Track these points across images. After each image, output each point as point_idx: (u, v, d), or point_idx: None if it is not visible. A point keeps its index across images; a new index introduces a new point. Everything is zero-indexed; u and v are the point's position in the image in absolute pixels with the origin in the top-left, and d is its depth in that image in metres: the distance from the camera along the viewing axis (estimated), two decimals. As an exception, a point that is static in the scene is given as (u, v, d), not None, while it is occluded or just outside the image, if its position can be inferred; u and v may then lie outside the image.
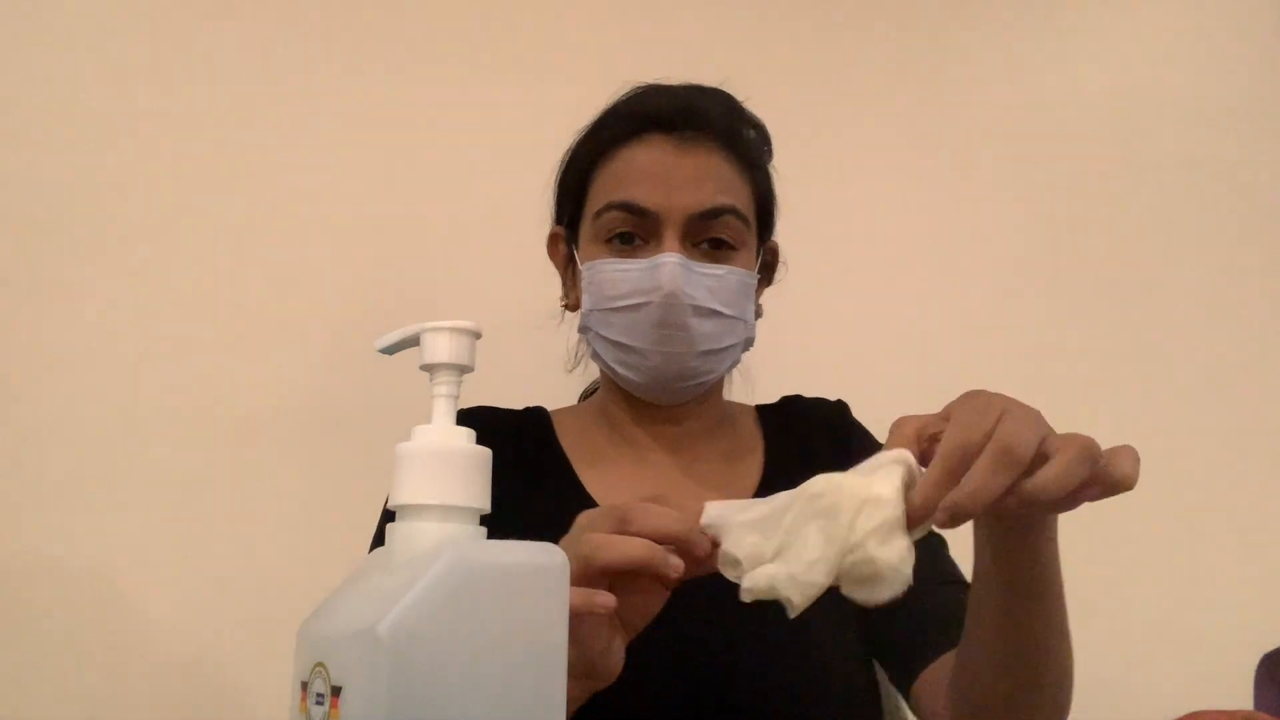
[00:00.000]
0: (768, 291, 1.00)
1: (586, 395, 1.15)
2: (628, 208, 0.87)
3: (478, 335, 0.52)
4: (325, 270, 1.38)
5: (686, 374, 0.90)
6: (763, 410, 1.03)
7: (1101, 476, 0.54)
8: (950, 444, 0.54)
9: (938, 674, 0.81)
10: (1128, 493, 0.55)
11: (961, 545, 0.76)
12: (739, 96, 0.95)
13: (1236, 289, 1.60)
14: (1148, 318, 1.58)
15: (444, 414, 0.51)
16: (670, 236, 0.87)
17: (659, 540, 0.58)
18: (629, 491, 0.90)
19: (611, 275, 0.88)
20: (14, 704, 1.21)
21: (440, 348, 0.51)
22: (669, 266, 0.85)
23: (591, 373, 1.08)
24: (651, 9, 1.55)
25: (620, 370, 0.91)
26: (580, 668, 0.55)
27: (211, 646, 1.27)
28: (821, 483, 0.55)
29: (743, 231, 0.90)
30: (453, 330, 0.51)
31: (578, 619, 0.50)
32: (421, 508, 0.49)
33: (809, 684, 0.84)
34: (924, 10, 1.62)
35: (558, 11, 1.51)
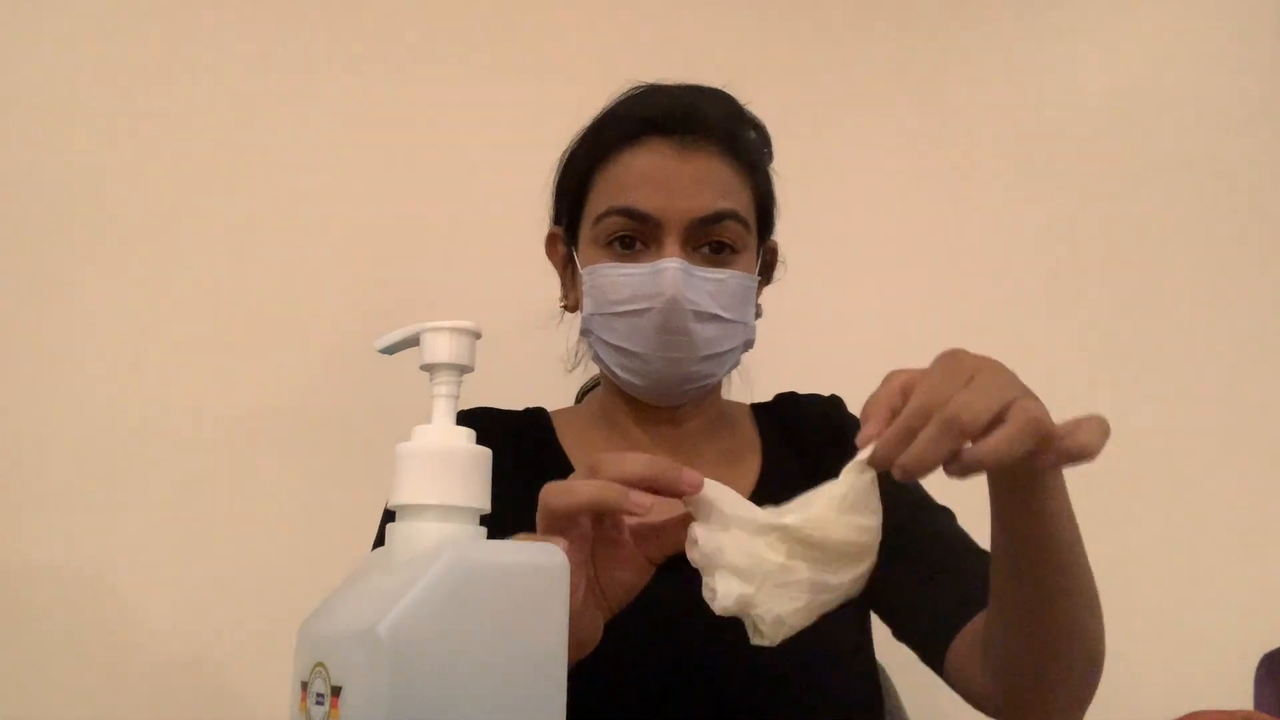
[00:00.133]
0: (767, 291, 1.00)
1: (584, 393, 1.15)
2: (629, 213, 0.87)
3: (478, 335, 0.52)
4: (325, 270, 1.38)
5: (688, 378, 0.90)
6: (758, 409, 1.03)
7: (1057, 446, 0.56)
8: (912, 405, 0.56)
9: (968, 641, 0.81)
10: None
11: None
12: (738, 96, 0.95)
13: (1236, 289, 1.60)
14: (1148, 318, 1.58)
15: (444, 414, 0.51)
16: (671, 241, 0.86)
17: (629, 484, 0.57)
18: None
19: (613, 280, 0.88)
20: (14, 704, 1.21)
21: (440, 348, 0.51)
22: (671, 272, 0.85)
23: (588, 370, 1.08)
24: (651, 9, 1.55)
25: (622, 374, 0.91)
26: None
27: (211, 646, 1.27)
28: (821, 525, 0.56)
29: (743, 235, 0.90)
30: (453, 330, 0.51)
31: None
32: (421, 508, 0.49)
33: (810, 686, 0.84)
34: (924, 10, 1.62)
35: (557, 11, 1.51)
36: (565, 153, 0.97)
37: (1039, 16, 1.65)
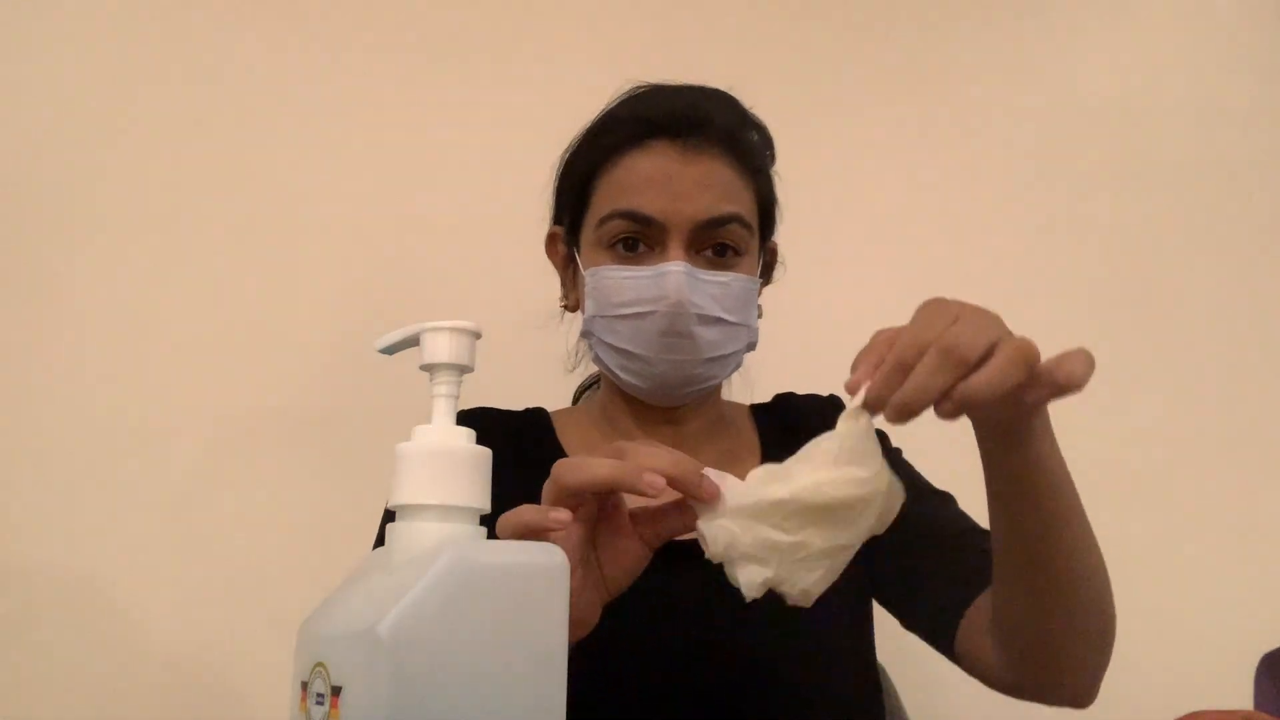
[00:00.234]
0: (767, 291, 1.00)
1: (582, 391, 1.15)
2: (632, 216, 0.87)
3: (478, 335, 0.52)
4: (325, 270, 1.38)
5: (691, 380, 0.90)
6: (757, 410, 1.03)
7: (1046, 378, 0.56)
8: (903, 341, 0.56)
9: (976, 619, 0.81)
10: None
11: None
12: (740, 96, 0.95)
13: (1236, 289, 1.60)
14: (1148, 318, 1.58)
15: (444, 414, 0.51)
16: (675, 244, 0.86)
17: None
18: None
19: (616, 282, 0.88)
20: (14, 704, 1.21)
21: (440, 348, 0.51)
22: (674, 275, 0.85)
23: (588, 370, 1.08)
24: (652, 9, 1.55)
25: (624, 376, 0.91)
26: None
27: (211, 646, 1.27)
28: (816, 495, 0.56)
29: (746, 238, 0.90)
30: (453, 330, 0.51)
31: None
32: (421, 508, 0.49)
33: (810, 685, 0.84)
34: (925, 12, 1.62)
35: (557, 11, 1.51)
36: (566, 152, 0.97)
37: (1040, 17, 1.65)
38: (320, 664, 0.45)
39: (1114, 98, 1.64)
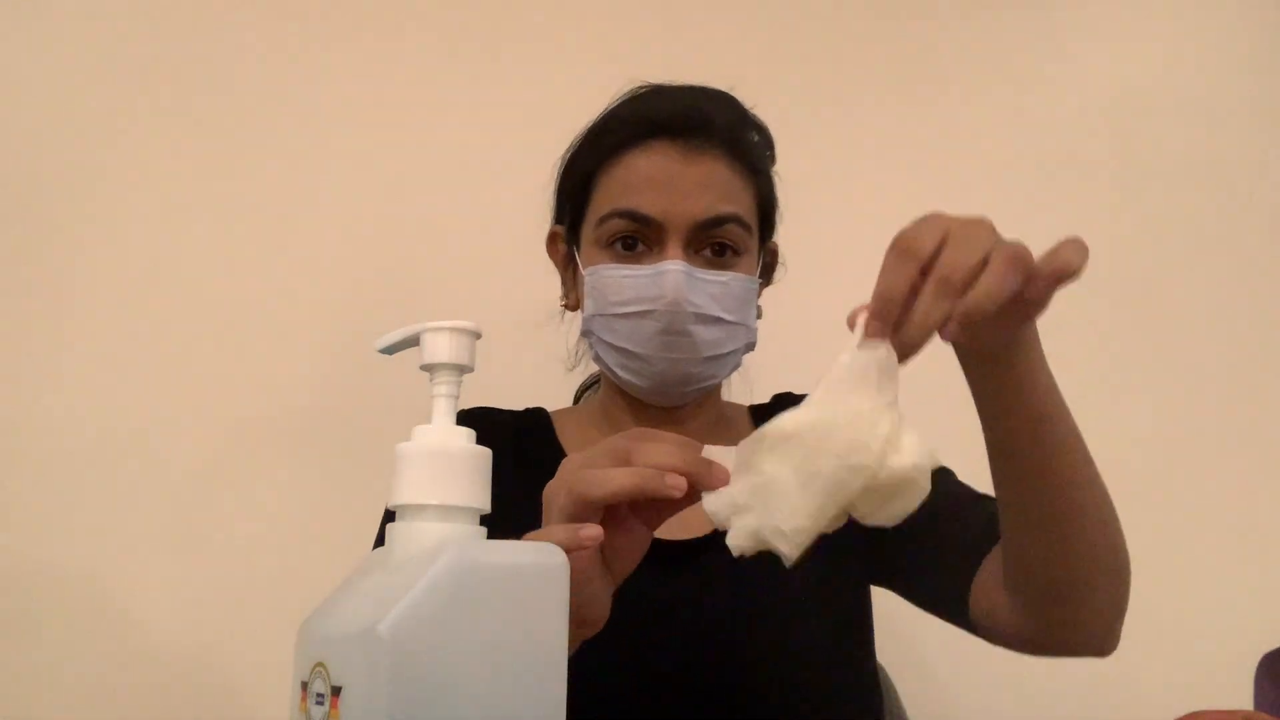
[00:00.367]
0: (766, 292, 1.00)
1: (583, 391, 1.15)
2: (632, 215, 0.88)
3: (478, 335, 0.52)
4: (325, 270, 1.38)
5: (690, 379, 0.90)
6: (756, 410, 1.03)
7: (1042, 271, 0.56)
8: (887, 261, 0.57)
9: (987, 578, 0.80)
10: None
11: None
12: (740, 96, 0.95)
13: (1236, 289, 1.60)
14: (1148, 318, 1.58)
15: (444, 414, 0.51)
16: (674, 244, 0.87)
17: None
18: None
19: (615, 281, 0.88)
20: (14, 704, 1.21)
21: (440, 348, 0.51)
22: (673, 274, 0.85)
23: (588, 370, 1.08)
24: (652, 9, 1.54)
25: (623, 375, 0.91)
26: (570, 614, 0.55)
27: (211, 646, 1.27)
28: (790, 423, 0.55)
29: (745, 238, 0.90)
30: (453, 330, 0.51)
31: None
32: (421, 508, 0.49)
33: (809, 686, 0.84)
34: (926, 12, 1.62)
35: (559, 12, 1.51)
36: (567, 152, 0.97)
37: (1041, 18, 1.65)
38: (320, 664, 0.45)
39: (1114, 97, 1.64)
